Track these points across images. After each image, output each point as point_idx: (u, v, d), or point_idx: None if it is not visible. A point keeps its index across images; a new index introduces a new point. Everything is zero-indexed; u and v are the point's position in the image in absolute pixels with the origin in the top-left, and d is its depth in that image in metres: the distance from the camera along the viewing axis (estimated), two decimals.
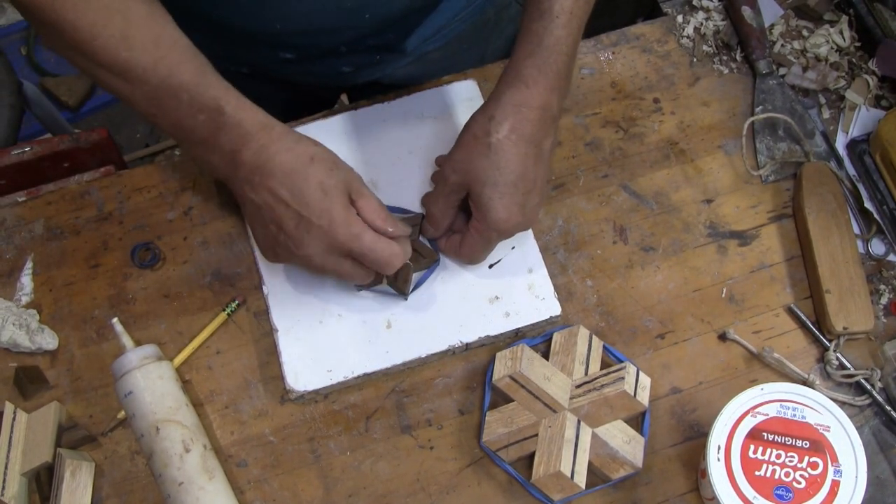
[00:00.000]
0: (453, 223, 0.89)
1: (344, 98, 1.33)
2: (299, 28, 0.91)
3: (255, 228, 0.83)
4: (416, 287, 0.89)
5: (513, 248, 0.90)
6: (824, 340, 0.89)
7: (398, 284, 0.87)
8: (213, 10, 0.89)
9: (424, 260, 0.89)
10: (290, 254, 0.80)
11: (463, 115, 0.96)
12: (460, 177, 0.83)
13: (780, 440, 0.76)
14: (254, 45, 0.97)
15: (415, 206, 0.92)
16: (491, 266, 0.90)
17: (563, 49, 0.81)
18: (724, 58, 1.04)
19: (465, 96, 0.98)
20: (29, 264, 0.92)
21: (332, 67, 1.02)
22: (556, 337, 0.87)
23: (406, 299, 0.88)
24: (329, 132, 0.96)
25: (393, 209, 0.91)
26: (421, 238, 0.90)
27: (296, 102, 1.11)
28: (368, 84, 1.07)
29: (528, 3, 0.82)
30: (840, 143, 1.00)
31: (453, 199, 0.86)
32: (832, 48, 1.05)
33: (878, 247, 0.94)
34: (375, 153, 0.95)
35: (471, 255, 0.87)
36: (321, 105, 1.03)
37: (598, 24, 0.94)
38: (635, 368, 0.85)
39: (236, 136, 0.77)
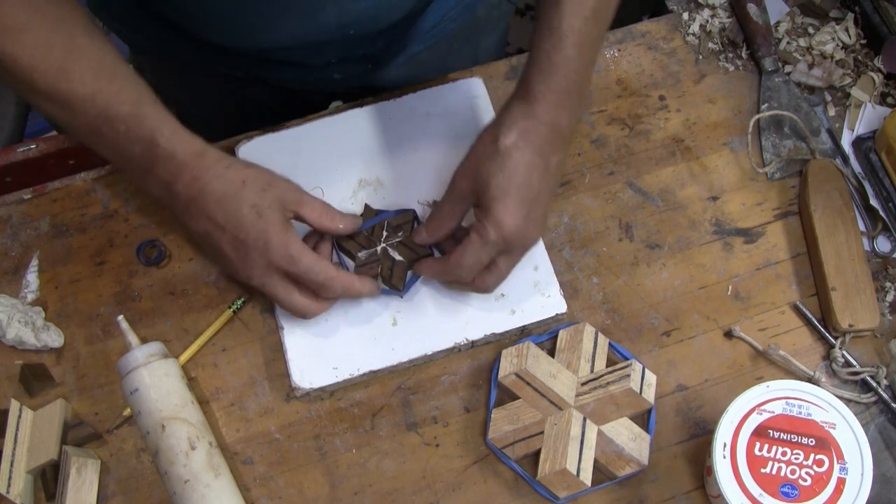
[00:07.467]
0: (454, 232, 0.86)
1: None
2: (286, 45, 0.92)
3: (205, 252, 0.87)
4: (411, 284, 0.88)
5: None
6: (830, 338, 0.89)
7: (392, 281, 0.87)
8: (202, 32, 0.92)
9: (419, 257, 0.89)
10: (236, 276, 0.84)
11: (469, 113, 0.96)
12: (469, 182, 0.82)
13: (785, 437, 0.75)
14: (245, 59, 0.99)
15: (419, 205, 0.92)
16: None
17: (573, 67, 0.80)
18: (730, 55, 1.04)
19: (470, 94, 0.97)
20: (34, 262, 0.92)
21: (324, 75, 1.02)
22: (562, 334, 0.87)
23: (402, 297, 0.88)
24: (334, 130, 0.96)
25: (386, 213, 0.91)
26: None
27: (292, 104, 1.11)
28: (362, 87, 1.07)
29: (538, 22, 0.81)
30: (846, 141, 1.00)
31: (459, 206, 0.84)
32: (838, 45, 1.04)
33: (883, 244, 0.94)
34: (381, 151, 0.95)
35: (465, 264, 0.81)
36: (317, 107, 1.04)
37: None
38: (641, 366, 0.85)
39: (170, 167, 0.79)
